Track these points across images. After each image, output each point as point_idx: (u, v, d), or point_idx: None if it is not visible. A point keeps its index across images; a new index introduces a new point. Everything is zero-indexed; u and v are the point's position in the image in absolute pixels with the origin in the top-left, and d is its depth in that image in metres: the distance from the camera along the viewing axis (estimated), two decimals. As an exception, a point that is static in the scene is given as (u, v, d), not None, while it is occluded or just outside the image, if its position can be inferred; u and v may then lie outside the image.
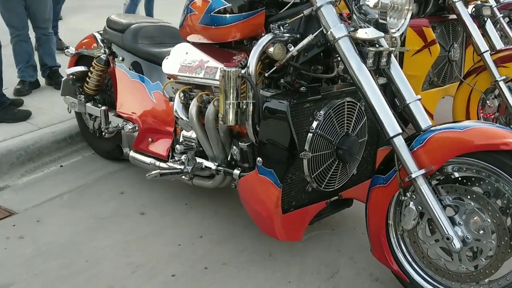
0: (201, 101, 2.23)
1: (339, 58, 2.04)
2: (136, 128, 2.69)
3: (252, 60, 1.91)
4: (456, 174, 1.79)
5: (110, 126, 2.74)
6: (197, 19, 2.11)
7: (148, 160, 2.64)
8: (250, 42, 2.14)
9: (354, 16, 1.91)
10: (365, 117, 2.14)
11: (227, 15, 2.04)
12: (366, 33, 1.91)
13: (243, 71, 1.92)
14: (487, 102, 2.97)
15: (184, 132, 2.46)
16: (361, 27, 1.88)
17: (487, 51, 2.88)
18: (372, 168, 2.28)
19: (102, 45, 2.96)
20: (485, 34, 2.99)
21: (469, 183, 1.75)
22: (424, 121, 1.92)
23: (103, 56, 2.92)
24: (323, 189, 2.08)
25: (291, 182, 1.97)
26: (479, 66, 2.97)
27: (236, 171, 2.17)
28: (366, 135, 2.17)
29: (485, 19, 2.97)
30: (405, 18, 1.88)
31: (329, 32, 1.87)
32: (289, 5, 2.06)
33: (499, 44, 2.98)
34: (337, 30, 1.85)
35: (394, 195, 1.88)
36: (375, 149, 2.30)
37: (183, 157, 2.41)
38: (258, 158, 1.93)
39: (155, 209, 2.67)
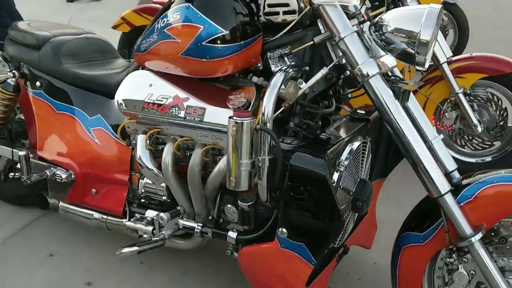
0: (180, 149, 1.75)
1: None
2: (72, 176, 2.09)
3: (268, 105, 1.50)
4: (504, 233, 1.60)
5: (34, 175, 2.09)
6: (178, 48, 1.60)
7: (91, 214, 2.07)
8: (242, 74, 1.71)
9: (374, 44, 1.60)
10: (371, 155, 1.85)
11: (223, 45, 1.57)
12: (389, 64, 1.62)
13: (256, 123, 1.51)
14: (446, 114, 2.88)
15: (145, 182, 1.95)
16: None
17: (445, 62, 2.77)
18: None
19: (6, 64, 2.25)
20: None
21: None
22: (449, 162, 1.69)
23: (11, 81, 2.22)
24: (336, 245, 1.77)
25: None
26: (434, 76, 2.86)
27: (232, 234, 1.75)
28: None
29: None
30: (432, 49, 1.61)
31: (357, 69, 1.53)
32: (288, 28, 1.67)
33: (448, 52, 2.89)
34: (368, 66, 1.52)
35: (435, 256, 1.65)
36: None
37: (148, 214, 1.92)
38: (281, 229, 1.54)
39: (105, 276, 2.12)
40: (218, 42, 1.57)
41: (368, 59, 1.53)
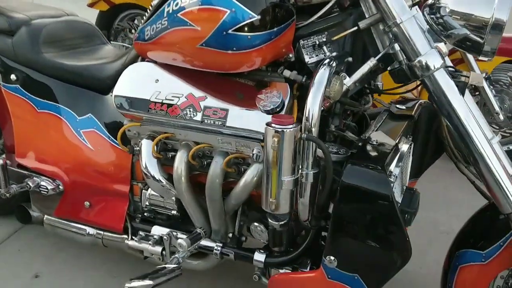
0: (195, 157, 1.46)
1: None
2: (60, 187, 1.77)
3: (313, 107, 1.22)
4: None
5: (14, 187, 1.76)
6: (197, 37, 1.29)
7: (84, 229, 1.77)
8: (270, 67, 1.42)
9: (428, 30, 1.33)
10: (411, 156, 1.61)
11: (253, 33, 1.28)
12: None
13: (301, 131, 1.23)
14: (465, 100, 2.65)
15: (150, 193, 1.66)
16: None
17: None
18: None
19: (-27, 54, 1.89)
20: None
21: None
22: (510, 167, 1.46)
23: (-21, 73, 1.87)
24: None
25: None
26: (453, 59, 2.63)
27: (259, 256, 1.49)
28: None
29: None
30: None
31: (417, 61, 1.26)
32: (323, 10, 1.38)
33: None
34: (432, 58, 1.25)
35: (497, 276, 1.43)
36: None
37: (155, 232, 1.63)
38: (330, 257, 1.27)
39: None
40: (247, 29, 1.27)
41: (430, 49, 1.26)
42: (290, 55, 1.39)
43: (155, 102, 1.47)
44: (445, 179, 2.70)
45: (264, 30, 1.29)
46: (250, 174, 1.39)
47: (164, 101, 1.46)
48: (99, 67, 1.76)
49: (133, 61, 1.69)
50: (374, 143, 1.33)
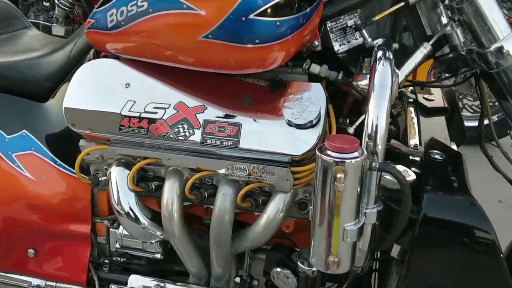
0: (193, 189, 1.06)
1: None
2: (-10, 232, 1.29)
3: (380, 120, 0.86)
4: None
5: None
6: (200, 26, 0.87)
7: (29, 281, 1.32)
8: (291, 60, 1.04)
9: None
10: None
11: (283, 18, 0.88)
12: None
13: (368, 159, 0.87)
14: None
15: (122, 233, 1.23)
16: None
17: None
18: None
19: None
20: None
21: None
22: None
23: None
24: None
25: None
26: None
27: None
28: None
29: None
30: None
31: (493, 47, 0.95)
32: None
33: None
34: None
35: None
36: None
37: (134, 283, 1.22)
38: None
39: None
40: (272, 13, 0.88)
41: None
42: (316, 43, 1.02)
43: (129, 117, 1.04)
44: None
45: (294, 13, 0.91)
46: (275, 208, 1.03)
47: (143, 115, 1.03)
48: (30, 64, 1.27)
49: (81, 54, 1.23)
50: (438, 157, 1.01)
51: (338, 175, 0.79)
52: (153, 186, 1.10)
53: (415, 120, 1.23)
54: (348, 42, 1.05)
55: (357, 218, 0.86)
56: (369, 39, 1.01)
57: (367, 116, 0.88)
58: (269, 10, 0.86)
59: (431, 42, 1.03)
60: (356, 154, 0.82)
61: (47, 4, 2.95)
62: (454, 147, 1.18)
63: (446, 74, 1.16)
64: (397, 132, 1.22)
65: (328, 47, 1.04)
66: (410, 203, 0.86)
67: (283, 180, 1.00)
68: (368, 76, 0.99)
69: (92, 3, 2.93)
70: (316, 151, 0.84)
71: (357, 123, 1.02)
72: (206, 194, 1.07)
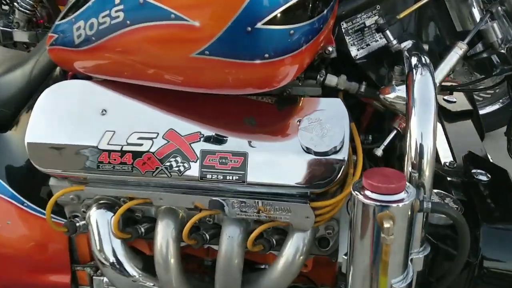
0: (193, 233, 0.88)
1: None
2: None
3: (427, 143, 0.69)
4: None
5: None
6: (195, 41, 0.69)
7: None
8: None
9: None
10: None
11: (297, 25, 0.70)
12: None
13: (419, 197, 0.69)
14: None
15: (108, 281, 1.05)
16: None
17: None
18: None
19: None
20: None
21: None
22: None
23: None
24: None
25: None
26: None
27: None
28: None
29: None
30: None
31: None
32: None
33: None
34: None
35: None
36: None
37: None
38: None
39: None
40: (284, 20, 0.70)
41: None
42: (330, 49, 0.84)
43: (109, 151, 0.85)
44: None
45: (309, 17, 0.73)
46: (293, 250, 0.86)
47: (126, 148, 0.85)
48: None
49: (44, 74, 1.03)
50: (483, 178, 0.85)
51: (386, 225, 0.61)
52: (143, 230, 0.92)
53: (439, 128, 1.07)
54: (368, 45, 0.88)
55: (406, 270, 0.69)
56: (394, 42, 0.84)
57: (408, 139, 0.71)
58: (280, 17, 0.68)
59: (466, 40, 0.86)
60: (403, 194, 0.65)
61: (6, 7, 2.70)
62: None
63: (478, 75, 1.00)
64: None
65: (342, 53, 0.87)
66: (469, 247, 0.70)
67: (302, 217, 0.83)
68: (397, 88, 0.82)
69: (56, 3, 2.68)
70: (352, 191, 0.66)
71: (386, 142, 0.85)
72: (207, 236, 0.89)
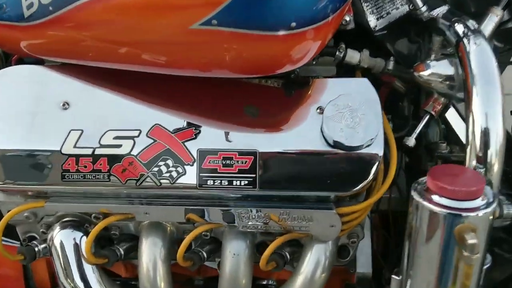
0: (188, 252, 0.71)
1: None
2: None
3: (496, 130, 0.56)
4: None
5: None
6: (197, 10, 0.51)
7: None
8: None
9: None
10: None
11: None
12: None
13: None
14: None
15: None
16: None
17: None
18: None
19: None
20: None
21: None
22: None
23: None
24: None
25: None
26: None
27: None
28: None
29: None
30: None
31: None
32: None
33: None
34: None
35: None
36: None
37: None
38: None
39: None
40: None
41: None
42: (347, 18, 0.69)
43: (77, 156, 0.66)
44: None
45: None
46: (314, 265, 0.71)
47: (99, 151, 0.65)
48: None
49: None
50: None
51: (471, 241, 0.47)
52: (122, 252, 0.73)
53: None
54: (388, 13, 0.73)
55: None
56: (424, 8, 0.69)
57: (470, 126, 0.57)
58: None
59: (501, 5, 0.73)
60: (482, 202, 0.50)
61: None
62: None
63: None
64: (446, 134, 0.93)
65: (358, 24, 0.71)
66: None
67: (326, 226, 0.67)
68: (432, 63, 0.68)
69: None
70: (412, 193, 0.52)
71: (418, 130, 0.71)
72: (204, 254, 0.72)
